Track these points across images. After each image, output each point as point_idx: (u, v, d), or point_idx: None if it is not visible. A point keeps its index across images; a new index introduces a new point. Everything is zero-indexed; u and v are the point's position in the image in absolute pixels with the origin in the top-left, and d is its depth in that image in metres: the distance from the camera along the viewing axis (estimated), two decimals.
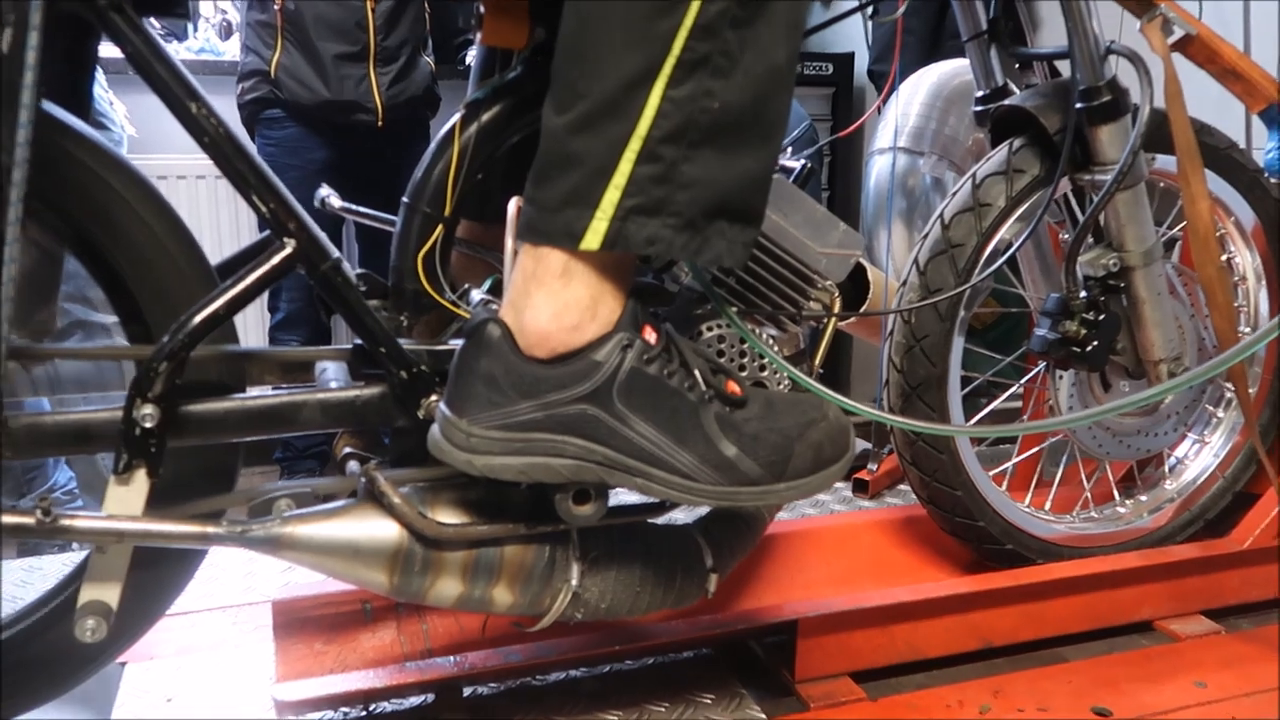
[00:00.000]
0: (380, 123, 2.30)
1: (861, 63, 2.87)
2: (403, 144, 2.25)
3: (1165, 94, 1.25)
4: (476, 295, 1.02)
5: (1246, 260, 1.54)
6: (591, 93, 0.81)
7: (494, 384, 0.84)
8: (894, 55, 1.80)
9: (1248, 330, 1.52)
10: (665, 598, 0.95)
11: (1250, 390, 1.51)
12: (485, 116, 1.03)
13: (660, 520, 0.99)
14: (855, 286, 1.59)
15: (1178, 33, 1.33)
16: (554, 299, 0.84)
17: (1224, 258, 1.51)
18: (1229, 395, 1.56)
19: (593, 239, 0.82)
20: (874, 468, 1.89)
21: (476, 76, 1.20)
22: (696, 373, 0.88)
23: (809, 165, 1.22)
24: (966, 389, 1.41)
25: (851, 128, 1.75)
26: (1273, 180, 1.47)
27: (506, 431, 0.84)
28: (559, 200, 0.83)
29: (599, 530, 0.93)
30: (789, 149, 1.28)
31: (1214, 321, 1.26)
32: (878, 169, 1.97)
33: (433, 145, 1.04)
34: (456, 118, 1.04)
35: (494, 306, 0.90)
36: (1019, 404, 1.72)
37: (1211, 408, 1.58)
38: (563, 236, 0.83)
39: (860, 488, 1.89)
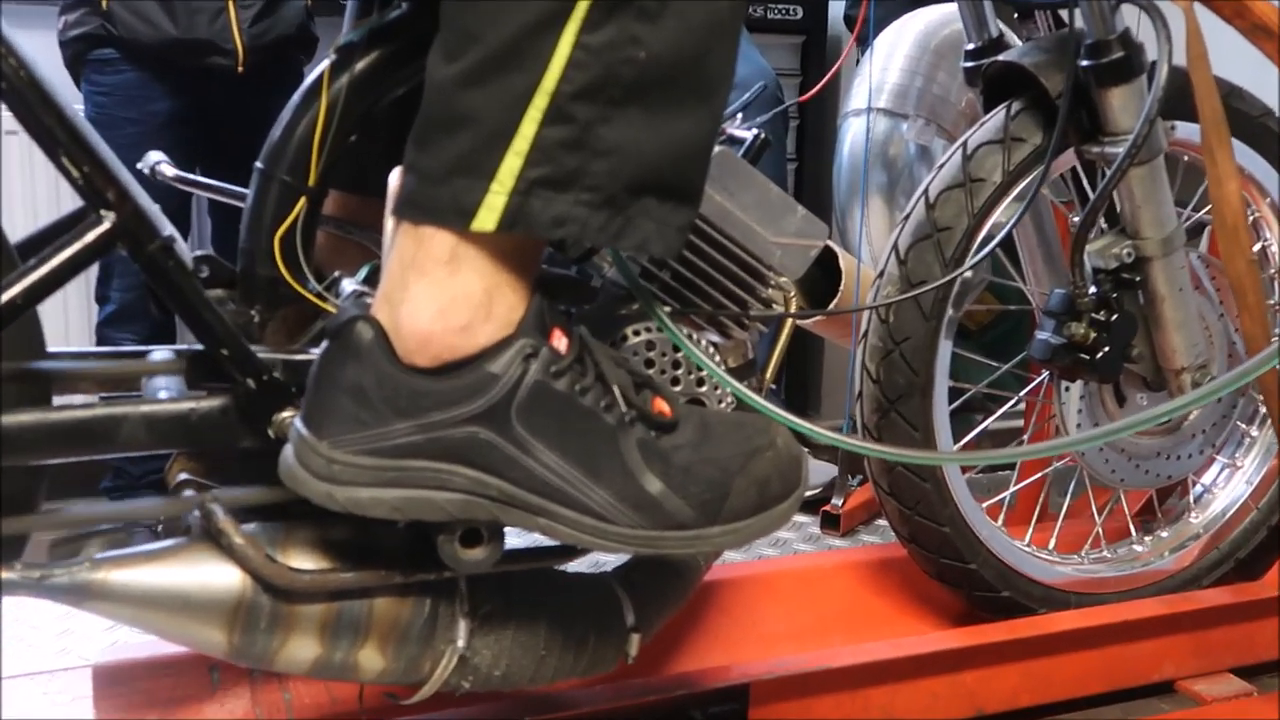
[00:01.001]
0: (240, 67, 2.27)
1: (837, 6, 2.90)
2: (269, 94, 2.21)
3: (1187, 52, 1.27)
4: (348, 286, 1.01)
5: None
6: (487, 37, 0.80)
7: (363, 398, 0.83)
8: None
9: None
10: (575, 663, 0.95)
11: None
12: (360, 65, 1.02)
13: (569, 567, 0.99)
14: (826, 277, 1.60)
15: None
16: (438, 292, 0.83)
17: (1257, 247, 1.55)
18: (1265, 410, 1.59)
19: (487, 217, 0.81)
20: (839, 503, 1.90)
21: (353, 14, 1.19)
22: (616, 389, 0.88)
23: (763, 136, 1.23)
24: (956, 403, 1.43)
25: (817, 87, 1.76)
26: None
27: (377, 458, 0.83)
28: (446, 168, 0.82)
29: (492, 579, 0.93)
30: (739, 115, 1.28)
31: (1242, 323, 1.29)
32: (852, 134, 1.98)
33: (294, 99, 1.03)
34: (324, 65, 1.03)
35: (367, 300, 0.89)
36: (1019, 422, 1.75)
37: (1244, 425, 1.61)
38: (450, 213, 0.82)
39: (830, 523, 1.91)
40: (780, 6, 2.93)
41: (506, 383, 0.84)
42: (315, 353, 0.89)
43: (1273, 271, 1.59)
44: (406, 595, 0.90)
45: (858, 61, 2.11)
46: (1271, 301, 1.58)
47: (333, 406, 0.84)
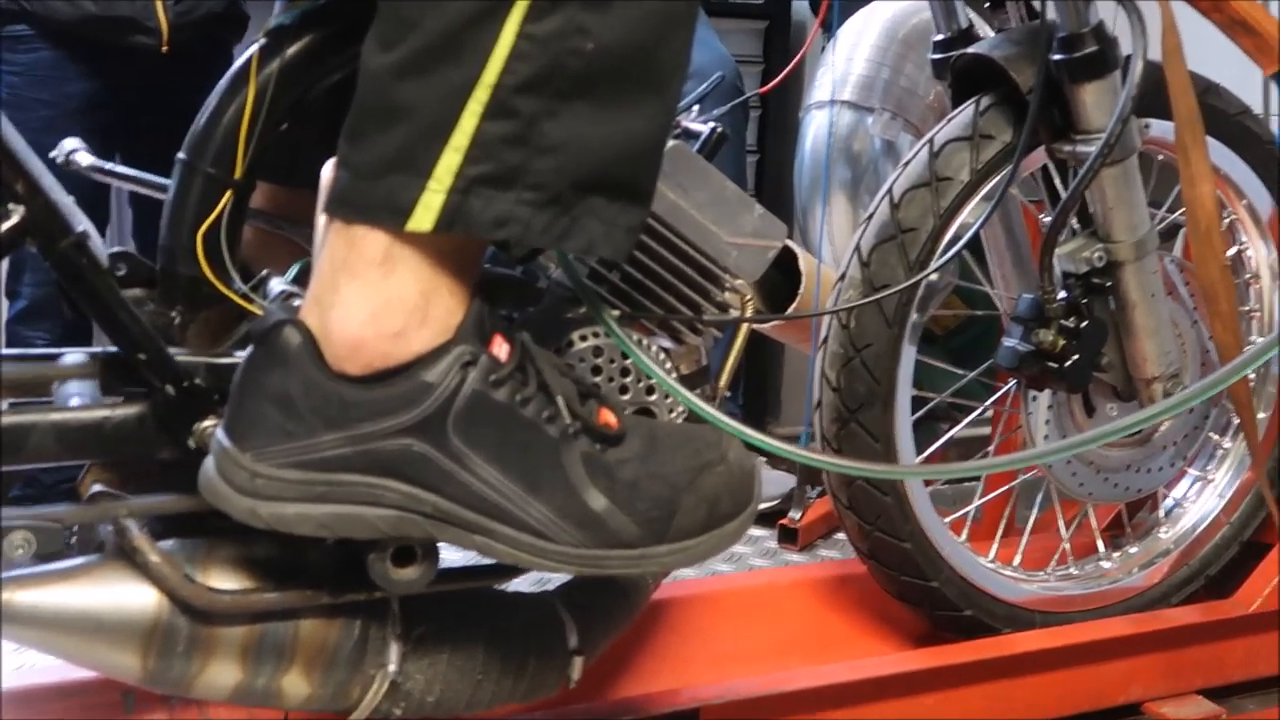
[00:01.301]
0: (165, 47, 2.26)
1: None
2: (195, 76, 2.19)
3: (1162, 46, 1.29)
4: (276, 286, 1.01)
5: (1261, 254, 1.60)
6: (425, 24, 0.81)
7: (289, 407, 0.83)
8: None
9: (1260, 340, 1.58)
10: (514, 688, 0.95)
11: (1261, 415, 1.58)
12: (292, 49, 1.02)
13: (510, 585, 0.99)
14: (786, 279, 1.61)
15: None
16: (371, 295, 0.83)
17: (1231, 251, 1.57)
18: (1238, 421, 1.62)
19: (423, 217, 0.82)
20: (797, 516, 1.91)
21: None
22: (559, 399, 0.88)
23: (719, 129, 1.23)
24: (920, 411, 1.44)
25: (779, 78, 1.77)
26: None
27: (304, 471, 0.83)
28: (380, 164, 0.82)
29: (426, 600, 0.92)
30: (695, 107, 1.29)
31: (1214, 331, 1.31)
32: (815, 128, 1.99)
33: (221, 85, 1.03)
34: (254, 49, 1.02)
35: (295, 303, 0.88)
36: (987, 429, 1.77)
37: (1217, 437, 1.64)
38: (384, 212, 0.82)
39: (787, 537, 1.92)
40: None
41: (442, 392, 0.84)
42: (240, 358, 0.88)
43: (1248, 276, 1.61)
44: (334, 617, 0.90)
45: (823, 49, 2.12)
46: (1245, 308, 1.61)
47: (257, 416, 0.83)
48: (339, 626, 0.90)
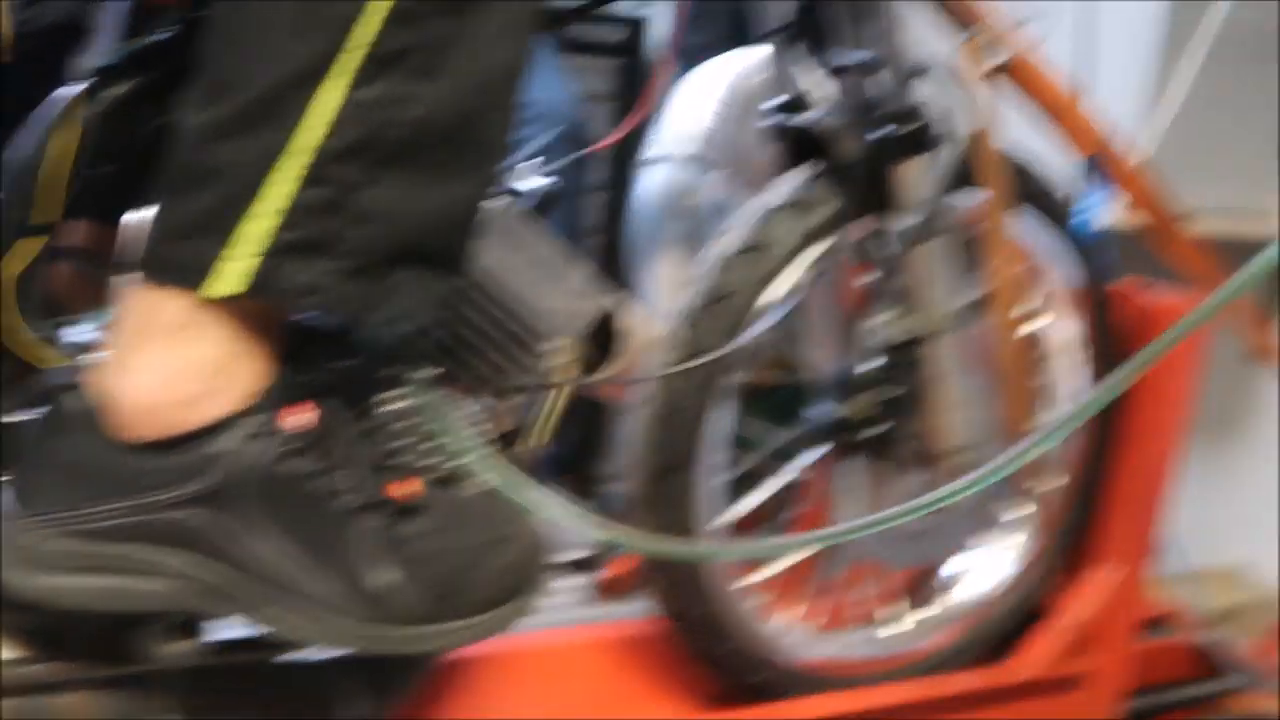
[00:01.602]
0: (5, 58, 2.16)
1: (661, 31, 2.91)
2: (43, 87, 2.12)
3: (975, 129, 1.35)
4: (75, 337, 0.97)
5: (1064, 329, 1.66)
6: (243, 85, 0.80)
7: (71, 473, 0.81)
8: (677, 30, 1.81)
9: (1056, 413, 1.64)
10: None
11: (1051, 485, 1.64)
12: (117, 91, 1.00)
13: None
14: (610, 339, 1.61)
15: (997, 58, 1.45)
16: (167, 360, 0.82)
17: (1032, 327, 1.63)
18: (1032, 489, 1.68)
19: (228, 282, 0.80)
20: (606, 572, 1.90)
21: (115, 34, 1.16)
22: (355, 470, 0.87)
23: (551, 186, 1.23)
24: (735, 473, 1.45)
25: (617, 134, 1.75)
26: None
27: (79, 541, 0.81)
28: (187, 226, 0.81)
29: (199, 673, 0.91)
30: (535, 158, 1.28)
31: (1006, 409, 1.37)
32: (650, 182, 1.99)
33: (40, 122, 1.00)
34: (77, 90, 0.99)
35: (90, 360, 0.86)
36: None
37: (1010, 504, 1.69)
38: (187, 275, 0.81)
39: (604, 587, 1.90)
40: (601, 27, 2.91)
41: (231, 462, 0.83)
42: (25, 417, 0.85)
43: (1047, 351, 1.67)
44: (101, 690, 0.88)
45: (670, 96, 2.12)
46: (1045, 381, 1.67)
47: (37, 481, 0.81)
48: (104, 701, 0.88)
